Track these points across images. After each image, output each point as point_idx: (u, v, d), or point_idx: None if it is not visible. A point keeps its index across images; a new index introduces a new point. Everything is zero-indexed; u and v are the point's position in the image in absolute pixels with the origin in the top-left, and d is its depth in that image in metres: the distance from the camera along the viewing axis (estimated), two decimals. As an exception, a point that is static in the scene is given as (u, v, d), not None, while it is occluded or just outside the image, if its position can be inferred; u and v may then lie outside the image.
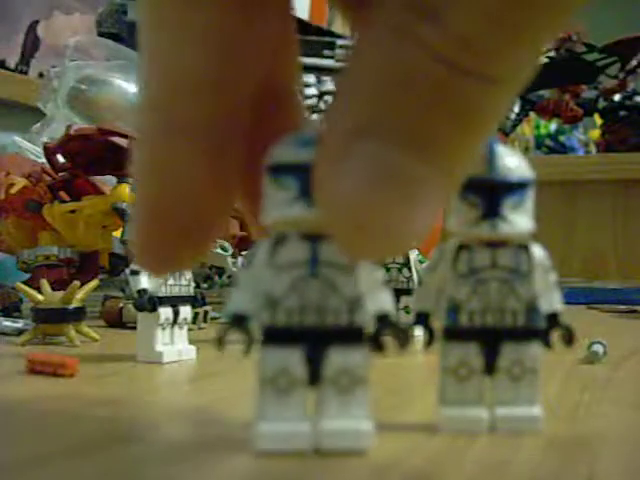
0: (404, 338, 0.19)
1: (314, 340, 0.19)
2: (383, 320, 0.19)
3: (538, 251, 0.22)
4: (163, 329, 0.34)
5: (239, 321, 0.19)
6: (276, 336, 0.19)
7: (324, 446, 0.19)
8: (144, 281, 0.34)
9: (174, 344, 0.35)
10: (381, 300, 0.19)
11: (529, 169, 0.21)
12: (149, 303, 0.34)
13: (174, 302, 0.35)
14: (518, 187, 0.21)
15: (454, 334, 0.22)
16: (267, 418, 0.19)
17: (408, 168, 0.14)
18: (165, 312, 0.34)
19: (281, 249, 0.19)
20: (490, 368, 0.22)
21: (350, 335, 0.19)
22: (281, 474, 0.18)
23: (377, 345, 0.19)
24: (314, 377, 0.19)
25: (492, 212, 0.21)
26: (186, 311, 0.35)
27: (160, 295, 0.34)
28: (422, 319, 0.22)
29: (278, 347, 0.19)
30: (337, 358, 0.19)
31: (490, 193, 0.21)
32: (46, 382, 0.29)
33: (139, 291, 0.34)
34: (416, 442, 0.20)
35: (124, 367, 0.34)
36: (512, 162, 0.21)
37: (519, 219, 0.21)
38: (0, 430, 0.22)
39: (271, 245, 0.19)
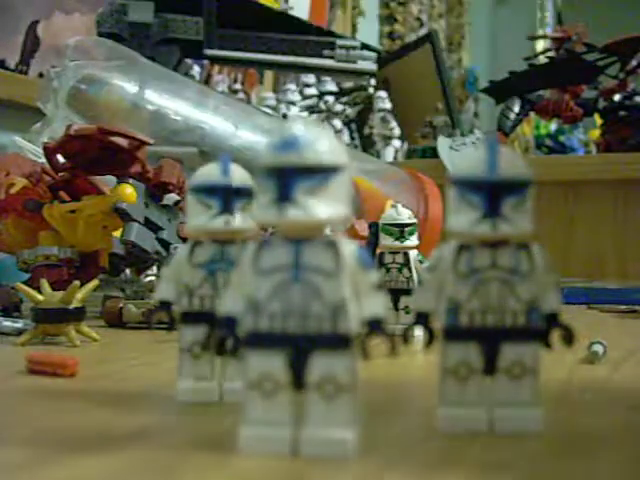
0: (395, 343, 0.19)
1: (297, 346, 0.18)
2: (374, 325, 0.19)
3: (538, 251, 0.22)
4: (194, 357, 0.25)
5: (227, 323, 0.19)
6: (259, 341, 0.19)
7: (305, 452, 0.18)
8: (168, 289, 0.25)
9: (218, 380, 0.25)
10: (373, 305, 0.19)
11: (528, 169, 0.21)
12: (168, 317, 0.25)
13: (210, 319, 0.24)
14: (518, 187, 0.21)
15: (454, 334, 0.22)
16: (252, 421, 0.19)
17: None
18: (193, 333, 0.25)
19: (265, 253, 0.19)
20: (490, 368, 0.22)
21: (333, 342, 0.18)
22: (280, 475, 0.18)
23: (364, 351, 0.19)
24: (298, 382, 0.19)
25: (492, 212, 0.21)
26: None
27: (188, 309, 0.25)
28: (422, 319, 0.22)
29: (261, 351, 0.19)
30: (320, 365, 0.18)
31: (490, 193, 0.21)
32: (46, 382, 0.29)
33: (162, 302, 0.25)
34: (416, 442, 0.20)
35: (124, 367, 0.34)
36: (511, 162, 0.21)
37: (519, 219, 0.21)
38: (0, 430, 0.22)
39: (255, 248, 0.19)
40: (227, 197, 0.24)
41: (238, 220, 0.24)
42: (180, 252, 0.25)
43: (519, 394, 0.21)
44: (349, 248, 0.19)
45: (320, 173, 0.18)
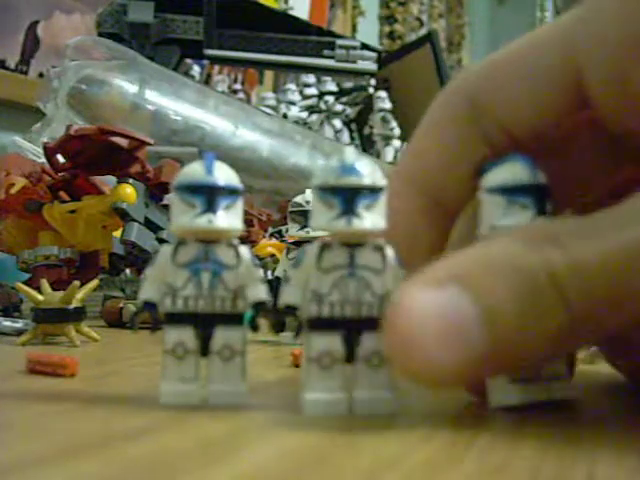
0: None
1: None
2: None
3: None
4: (178, 359, 0.24)
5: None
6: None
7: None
8: (152, 289, 0.25)
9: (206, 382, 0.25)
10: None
11: (382, 177, 0.23)
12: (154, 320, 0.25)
13: (198, 321, 0.24)
14: (371, 192, 0.23)
15: (318, 324, 0.23)
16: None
17: None
18: (177, 334, 0.24)
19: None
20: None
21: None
22: (277, 473, 0.18)
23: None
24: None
25: (348, 211, 0.22)
26: (228, 337, 0.24)
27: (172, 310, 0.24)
28: (291, 311, 0.24)
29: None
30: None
31: (346, 196, 0.23)
32: (46, 382, 0.29)
33: (146, 302, 0.25)
34: (416, 442, 0.20)
35: (124, 367, 0.34)
36: (371, 170, 0.23)
37: (373, 218, 0.23)
38: (0, 430, 0.22)
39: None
40: (211, 196, 0.24)
41: (222, 219, 0.24)
42: (164, 252, 0.25)
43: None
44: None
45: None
